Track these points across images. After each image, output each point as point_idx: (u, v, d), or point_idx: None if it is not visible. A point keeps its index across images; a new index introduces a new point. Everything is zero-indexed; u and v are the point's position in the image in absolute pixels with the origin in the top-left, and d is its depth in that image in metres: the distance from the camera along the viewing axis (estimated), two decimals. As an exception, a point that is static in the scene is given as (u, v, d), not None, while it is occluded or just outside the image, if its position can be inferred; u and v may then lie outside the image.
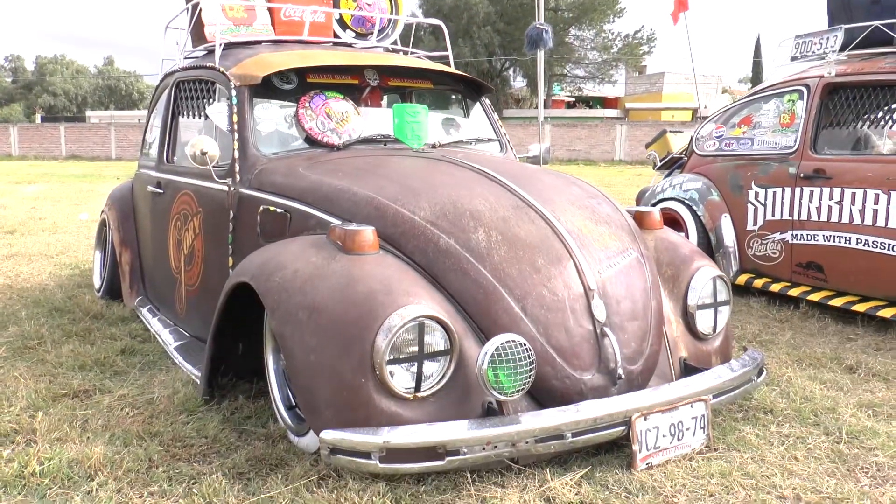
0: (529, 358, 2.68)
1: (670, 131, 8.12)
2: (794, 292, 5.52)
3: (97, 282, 5.95)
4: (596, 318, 2.96)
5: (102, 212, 5.94)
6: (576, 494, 2.66)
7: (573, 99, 55.58)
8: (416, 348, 2.65)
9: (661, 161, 7.87)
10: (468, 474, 2.73)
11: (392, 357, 2.61)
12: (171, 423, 3.25)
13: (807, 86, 5.65)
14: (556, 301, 2.94)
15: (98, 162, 32.53)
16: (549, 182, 3.57)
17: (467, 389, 2.74)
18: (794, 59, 6.10)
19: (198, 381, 3.62)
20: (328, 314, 2.70)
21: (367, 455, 2.53)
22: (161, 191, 4.74)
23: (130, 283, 5.35)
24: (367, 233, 2.94)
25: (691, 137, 7.04)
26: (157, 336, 4.53)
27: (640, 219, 3.65)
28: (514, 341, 2.67)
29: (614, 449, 3.00)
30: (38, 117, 59.74)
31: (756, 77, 52.56)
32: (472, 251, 2.96)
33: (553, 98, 47.49)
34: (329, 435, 2.56)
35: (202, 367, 3.49)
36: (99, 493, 2.66)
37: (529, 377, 2.69)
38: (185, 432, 3.15)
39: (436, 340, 2.69)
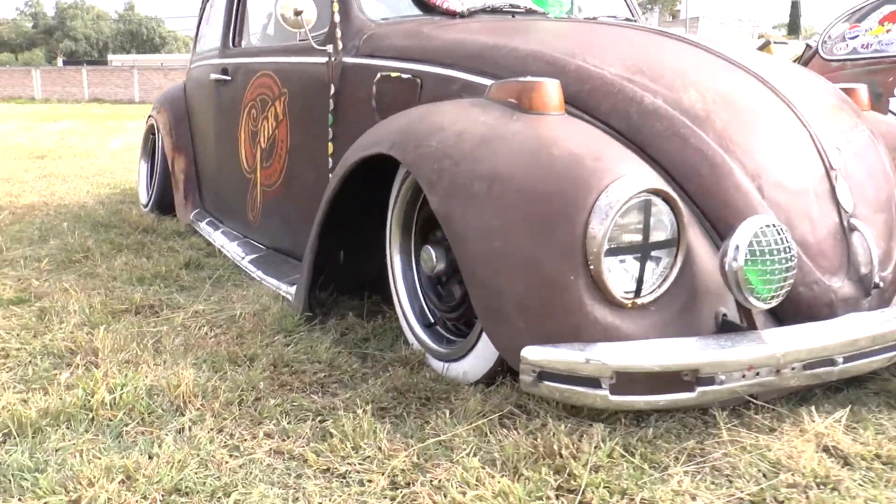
0: (790, 251, 1.91)
1: (774, 42, 7.26)
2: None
3: (144, 196, 5.20)
4: (842, 206, 2.19)
5: (150, 116, 5.18)
6: (853, 440, 1.90)
7: (605, 43, 53.93)
8: (639, 237, 1.89)
9: (762, 76, 7.01)
10: (717, 413, 1.95)
11: (610, 247, 1.86)
12: (267, 345, 2.51)
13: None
14: (796, 181, 2.16)
15: (121, 105, 31.61)
16: (742, 46, 2.79)
17: (694, 295, 1.97)
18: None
19: (288, 297, 2.90)
20: (516, 186, 1.93)
21: (594, 383, 1.76)
22: (228, 77, 3.96)
23: (185, 195, 4.60)
24: (552, 85, 2.14)
25: (806, 45, 6.19)
26: (222, 250, 3.80)
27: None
28: (773, 226, 1.89)
29: (851, 385, 2.25)
30: (59, 61, 58.79)
31: (794, 21, 50.83)
32: (688, 113, 2.17)
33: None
34: (535, 353, 1.80)
35: (301, 279, 2.75)
36: (195, 431, 1.91)
37: (788, 278, 1.92)
38: (288, 356, 2.41)
39: (661, 226, 1.93)
